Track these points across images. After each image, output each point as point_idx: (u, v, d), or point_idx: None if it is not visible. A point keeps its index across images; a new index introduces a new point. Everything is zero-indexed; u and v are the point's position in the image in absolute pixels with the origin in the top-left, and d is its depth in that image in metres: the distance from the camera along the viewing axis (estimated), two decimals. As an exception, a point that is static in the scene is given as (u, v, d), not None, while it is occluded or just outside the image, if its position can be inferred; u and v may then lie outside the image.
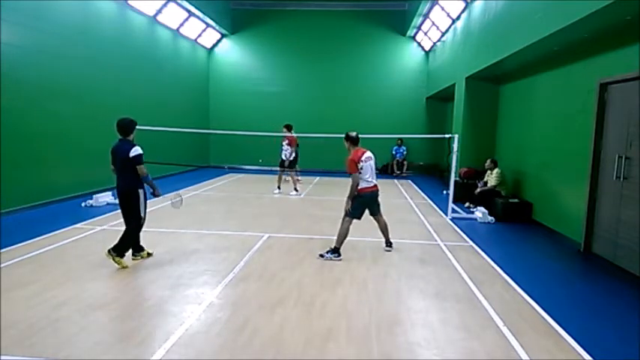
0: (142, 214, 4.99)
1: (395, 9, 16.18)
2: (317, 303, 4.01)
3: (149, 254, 5.26)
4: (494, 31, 8.50)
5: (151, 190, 5.05)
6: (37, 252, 5.35)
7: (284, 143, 10.70)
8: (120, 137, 4.95)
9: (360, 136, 5.54)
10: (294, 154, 10.72)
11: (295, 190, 10.61)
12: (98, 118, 9.84)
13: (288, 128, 10.57)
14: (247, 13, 16.76)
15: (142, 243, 5.22)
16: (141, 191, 4.92)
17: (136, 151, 4.84)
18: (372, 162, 5.46)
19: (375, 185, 5.49)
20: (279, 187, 10.82)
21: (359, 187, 5.31)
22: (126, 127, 4.93)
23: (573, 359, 3.18)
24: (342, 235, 5.39)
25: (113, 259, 4.76)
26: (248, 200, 9.64)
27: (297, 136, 10.90)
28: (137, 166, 4.82)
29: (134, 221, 4.96)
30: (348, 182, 5.45)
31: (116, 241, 4.86)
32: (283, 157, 10.69)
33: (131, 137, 4.97)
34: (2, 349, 3.06)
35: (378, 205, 5.68)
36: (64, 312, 3.72)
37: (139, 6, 11.69)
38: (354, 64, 16.63)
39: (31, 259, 5.09)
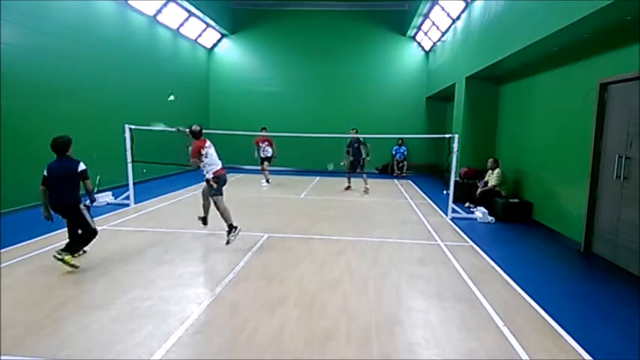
0: (93, 226, 4.97)
1: (395, 9, 16.17)
2: (317, 303, 4.01)
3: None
4: (494, 31, 8.50)
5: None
6: (37, 252, 5.35)
7: (264, 144, 11.97)
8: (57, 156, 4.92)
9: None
10: (271, 151, 12.08)
11: (267, 181, 12.20)
12: (98, 119, 9.87)
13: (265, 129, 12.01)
14: (247, 13, 16.75)
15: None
16: (81, 205, 4.90)
17: (83, 165, 4.90)
18: (214, 149, 6.12)
19: (223, 168, 6.15)
20: (267, 181, 12.23)
21: (214, 170, 5.94)
22: (65, 145, 4.96)
23: (573, 359, 3.18)
24: (227, 211, 5.96)
25: (63, 260, 4.63)
26: (248, 200, 9.64)
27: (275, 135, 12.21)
28: (85, 181, 4.86)
29: (88, 234, 4.95)
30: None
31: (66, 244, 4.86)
32: (263, 155, 12.06)
33: (70, 153, 4.98)
34: (2, 349, 3.07)
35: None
36: (64, 312, 3.72)
37: (139, 6, 11.70)
38: (354, 64, 16.61)
39: (31, 259, 5.09)
